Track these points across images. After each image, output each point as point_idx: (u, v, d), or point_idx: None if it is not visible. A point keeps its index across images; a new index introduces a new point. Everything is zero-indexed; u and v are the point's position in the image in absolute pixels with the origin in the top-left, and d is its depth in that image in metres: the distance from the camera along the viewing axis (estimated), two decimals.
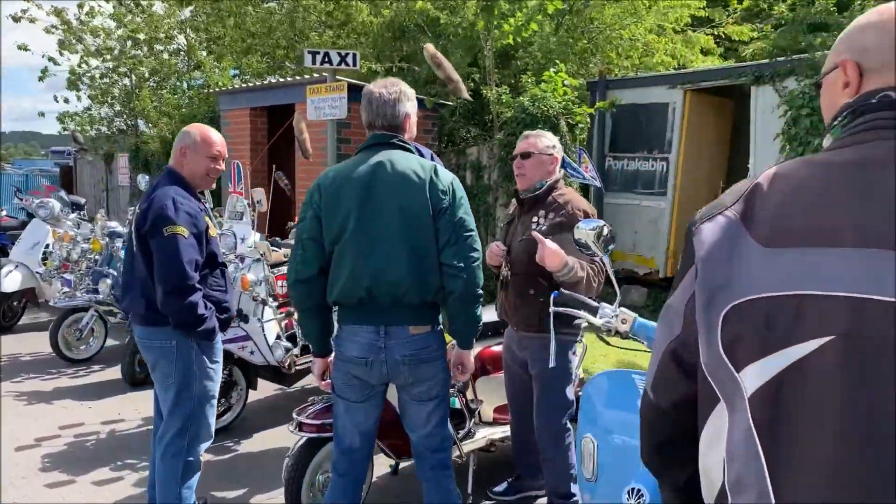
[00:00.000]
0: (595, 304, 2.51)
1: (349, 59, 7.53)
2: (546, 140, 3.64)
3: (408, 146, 2.90)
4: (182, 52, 17.71)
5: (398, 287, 2.74)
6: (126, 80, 18.03)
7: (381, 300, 2.78)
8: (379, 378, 2.85)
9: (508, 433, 3.98)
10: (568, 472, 3.55)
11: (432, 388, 2.87)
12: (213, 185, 3.46)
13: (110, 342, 6.94)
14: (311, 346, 3.01)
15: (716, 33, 11.24)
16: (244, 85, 10.23)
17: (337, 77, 7.66)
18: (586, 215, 3.43)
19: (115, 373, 6.31)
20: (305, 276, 2.82)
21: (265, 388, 5.51)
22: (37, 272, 7.69)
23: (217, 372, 3.41)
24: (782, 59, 8.21)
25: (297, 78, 8.91)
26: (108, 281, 6.45)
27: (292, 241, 6.78)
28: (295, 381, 5.23)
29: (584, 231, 2.43)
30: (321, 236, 2.82)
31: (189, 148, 3.35)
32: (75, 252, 6.47)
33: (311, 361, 5.18)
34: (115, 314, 6.75)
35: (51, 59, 17.14)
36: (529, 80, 8.70)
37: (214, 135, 3.42)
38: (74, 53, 16.85)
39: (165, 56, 17.66)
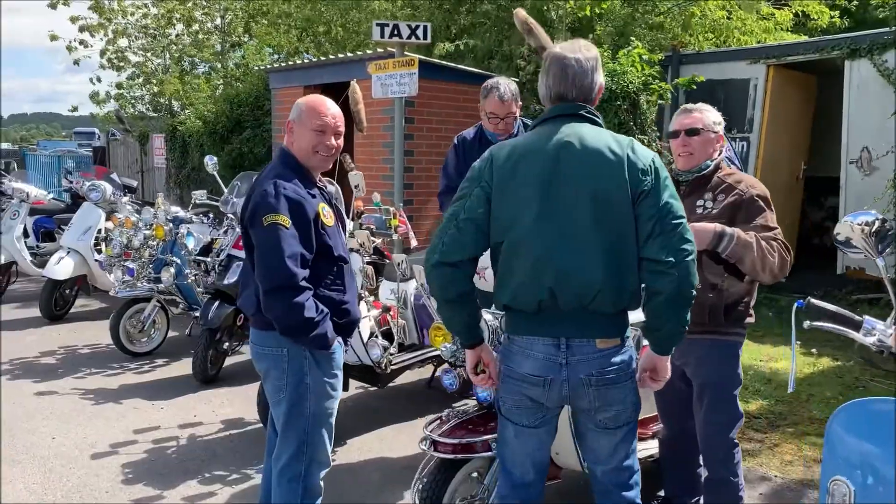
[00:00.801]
0: (855, 316, 2.02)
1: (419, 32, 7.03)
2: (713, 115, 3.16)
3: (597, 119, 2.41)
4: (218, 32, 17.25)
5: (589, 290, 2.27)
6: (159, 60, 17.65)
7: (564, 306, 2.31)
8: (558, 400, 2.39)
9: (656, 449, 3.52)
10: (738, 493, 3.10)
11: (622, 414, 2.39)
12: (329, 166, 2.98)
13: (171, 334, 6.54)
14: (459, 337, 2.53)
15: (793, 9, 10.61)
16: (293, 62, 9.75)
17: (406, 52, 7.16)
18: (764, 198, 2.97)
19: (181, 368, 5.91)
20: (455, 258, 2.35)
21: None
22: (94, 259, 7.30)
23: (336, 387, 2.95)
24: (884, 29, 7.61)
25: (359, 53, 8.41)
26: (172, 269, 6.03)
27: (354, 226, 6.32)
28: (389, 381, 4.79)
29: (851, 225, 1.93)
30: (485, 221, 2.36)
31: (295, 122, 2.88)
32: (137, 239, 6.05)
33: (406, 360, 4.81)
34: (177, 304, 6.35)
35: (81, 42, 16.79)
36: (605, 55, 8.14)
37: (326, 104, 2.91)
38: (100, 34, 16.48)
39: (201, 36, 17.25)
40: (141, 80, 17.54)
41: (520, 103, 4.16)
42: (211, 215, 5.95)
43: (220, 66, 17.44)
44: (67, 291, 7.57)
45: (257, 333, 2.87)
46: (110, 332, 6.09)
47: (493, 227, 2.36)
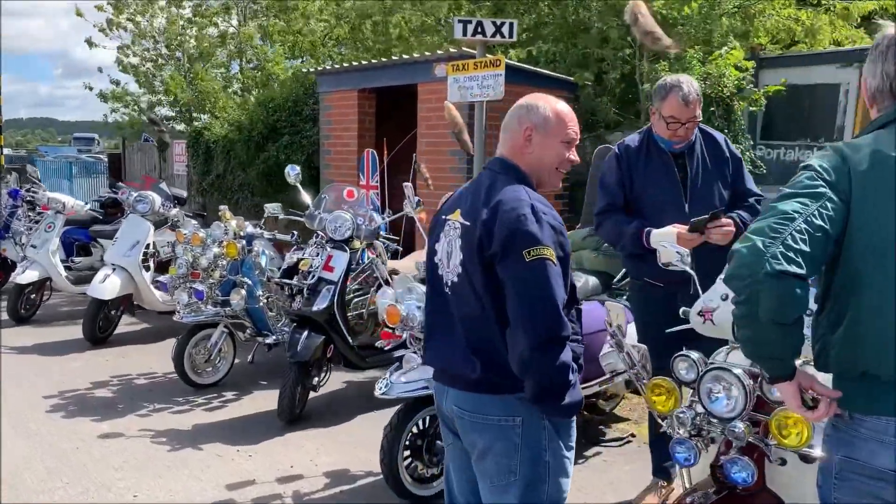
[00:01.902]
0: None
1: (505, 30, 6.41)
2: None
3: None
4: (233, 37, 16.60)
5: None
6: (172, 61, 17.03)
7: None
8: None
9: None
10: None
11: None
12: (559, 185, 2.36)
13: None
14: (771, 368, 1.86)
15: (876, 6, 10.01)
16: (347, 64, 9.11)
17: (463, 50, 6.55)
18: None
19: (255, 403, 5.26)
20: (804, 271, 1.70)
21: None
22: (142, 276, 6.66)
23: (572, 461, 2.31)
24: None
25: (427, 54, 7.78)
26: (243, 291, 5.39)
27: None
28: None
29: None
30: (840, 233, 1.76)
31: (538, 129, 2.26)
32: (205, 257, 5.39)
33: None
34: (245, 329, 5.70)
35: (102, 30, 16.16)
36: (695, 56, 7.54)
37: (567, 109, 2.31)
38: (114, 36, 15.89)
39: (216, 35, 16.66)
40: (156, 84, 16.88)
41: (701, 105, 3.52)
42: (295, 233, 5.29)
43: (239, 68, 16.85)
44: (113, 312, 6.90)
45: (474, 398, 2.22)
46: (174, 360, 5.43)
47: (852, 246, 1.74)
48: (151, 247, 6.93)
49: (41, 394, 5.43)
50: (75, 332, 7.22)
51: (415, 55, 7.83)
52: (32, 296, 7.71)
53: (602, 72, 8.32)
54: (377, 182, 6.47)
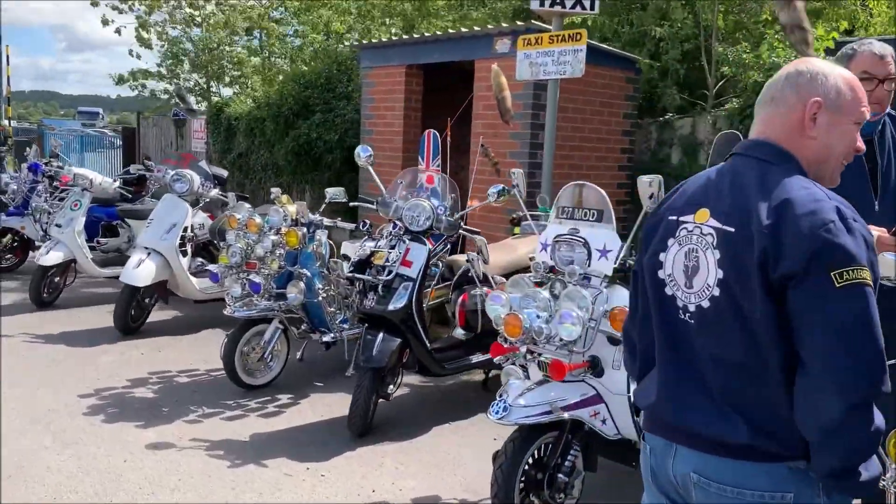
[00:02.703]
0: None
1: (586, 2, 5.82)
2: None
3: None
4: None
5: None
6: (197, 30, 16.37)
7: None
8: None
9: None
10: None
11: None
12: (839, 181, 1.79)
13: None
14: None
15: None
16: (394, 38, 8.50)
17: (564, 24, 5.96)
18: None
19: (315, 409, 4.73)
20: None
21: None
22: (179, 262, 6.12)
23: None
24: None
25: (490, 27, 7.16)
26: (301, 284, 4.85)
27: (520, 235, 5.13)
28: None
29: None
30: None
31: (829, 105, 1.67)
32: (262, 246, 4.84)
33: None
34: (299, 325, 5.17)
35: (115, 7, 15.46)
36: (777, 35, 6.95)
37: (854, 77, 1.74)
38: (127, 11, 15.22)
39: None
40: (180, 56, 16.24)
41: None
42: (367, 222, 4.73)
43: (265, 41, 16.21)
44: (147, 300, 6.35)
45: (729, 466, 1.65)
46: (223, 360, 4.89)
47: None
48: (189, 230, 6.37)
49: (75, 392, 4.90)
50: (103, 319, 6.70)
51: (475, 28, 7.22)
52: (56, 279, 7.16)
53: (660, 52, 7.71)
54: (439, 166, 5.90)
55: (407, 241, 4.31)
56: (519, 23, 6.84)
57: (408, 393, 5.09)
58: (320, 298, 5.00)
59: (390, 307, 4.23)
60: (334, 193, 5.23)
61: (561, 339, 3.02)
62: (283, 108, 10.48)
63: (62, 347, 5.89)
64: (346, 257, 5.43)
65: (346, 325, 5.21)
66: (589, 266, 3.17)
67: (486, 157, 6.10)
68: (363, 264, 4.40)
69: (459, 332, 4.72)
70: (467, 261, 3.69)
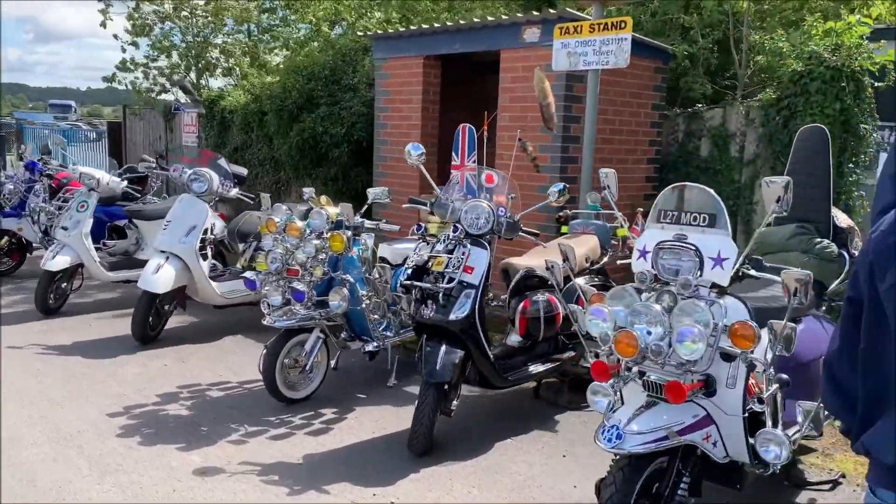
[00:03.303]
0: None
1: None
2: None
3: None
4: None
5: None
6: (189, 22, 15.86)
7: None
8: None
9: None
10: None
11: None
12: None
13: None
14: None
15: None
16: (408, 28, 8.16)
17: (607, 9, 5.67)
18: None
19: (364, 425, 4.43)
20: None
21: None
22: (199, 265, 5.79)
23: None
24: None
25: (519, 16, 6.84)
26: (345, 291, 4.55)
27: (570, 234, 4.85)
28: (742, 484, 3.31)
29: None
30: None
31: None
32: (303, 251, 4.51)
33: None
34: (338, 332, 4.88)
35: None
36: (815, 23, 6.73)
37: None
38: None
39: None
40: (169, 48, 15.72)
41: None
42: (422, 225, 4.41)
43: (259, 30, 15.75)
44: (167, 307, 6.00)
45: None
46: (263, 373, 4.58)
47: None
48: (209, 232, 6.03)
49: (102, 410, 4.57)
50: (116, 326, 6.37)
51: (503, 17, 6.91)
52: (63, 284, 6.78)
53: (685, 40, 7.46)
54: (475, 162, 5.60)
55: (468, 245, 4.01)
56: (551, 10, 6.53)
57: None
58: (363, 305, 4.71)
59: (452, 316, 3.94)
60: (377, 194, 4.92)
61: (679, 359, 2.75)
62: (286, 101, 10.08)
63: (79, 359, 5.53)
64: (383, 260, 5.14)
65: (389, 333, 4.92)
66: (700, 276, 2.90)
67: (525, 152, 5.82)
68: (420, 270, 4.09)
69: (515, 340, 4.45)
70: (548, 268, 3.42)
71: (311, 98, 9.91)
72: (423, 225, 4.16)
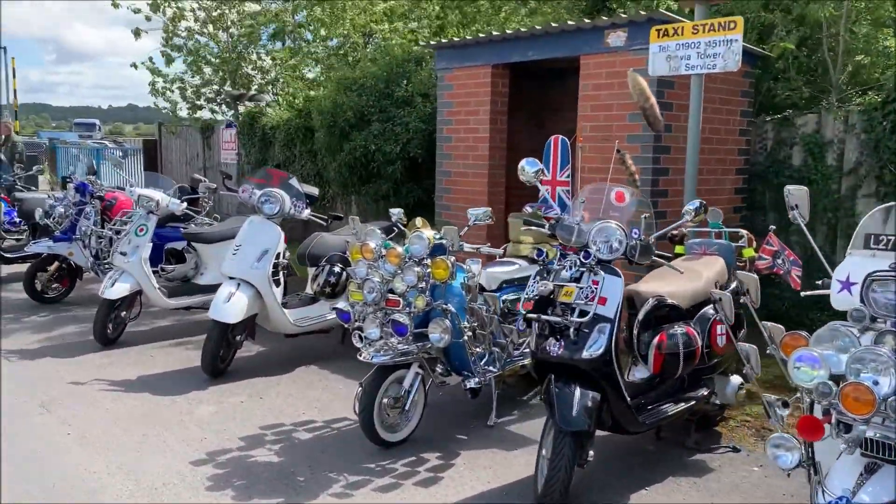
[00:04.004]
0: None
1: None
2: None
3: None
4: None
5: None
6: (223, 35, 15.58)
7: None
8: None
9: None
10: None
11: None
12: None
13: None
14: None
15: None
16: (480, 34, 7.74)
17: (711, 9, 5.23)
18: None
19: (476, 472, 3.99)
20: None
21: None
22: (273, 293, 5.40)
23: None
24: None
25: (590, 21, 6.39)
26: (447, 322, 4.11)
27: (689, 256, 4.36)
28: None
29: None
30: None
31: None
32: (404, 280, 4.08)
33: None
34: (434, 366, 4.44)
35: (138, 11, 14.68)
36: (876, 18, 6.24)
37: None
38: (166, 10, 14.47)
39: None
40: (203, 63, 15.45)
41: None
42: (543, 251, 3.96)
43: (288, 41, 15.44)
44: (238, 337, 5.60)
45: None
46: (361, 414, 4.15)
47: None
48: (282, 257, 5.63)
49: (185, 457, 4.16)
50: (178, 357, 6.04)
51: (586, 20, 6.47)
52: (123, 313, 6.41)
53: (766, 41, 6.99)
54: (569, 177, 5.15)
55: (601, 273, 3.56)
56: (642, 12, 6.09)
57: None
58: (465, 338, 4.27)
59: (585, 354, 3.49)
60: (479, 216, 4.48)
61: None
62: (338, 117, 9.66)
63: (147, 396, 5.14)
64: (481, 287, 4.70)
65: (492, 368, 4.48)
66: None
67: (623, 165, 5.37)
68: (544, 302, 3.64)
69: (639, 376, 3.99)
70: (715, 301, 2.96)
71: (363, 115, 9.50)
72: (544, 250, 3.71)
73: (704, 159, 6.53)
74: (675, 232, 4.89)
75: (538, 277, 3.72)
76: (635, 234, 3.66)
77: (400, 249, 4.12)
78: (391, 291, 4.18)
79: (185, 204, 6.78)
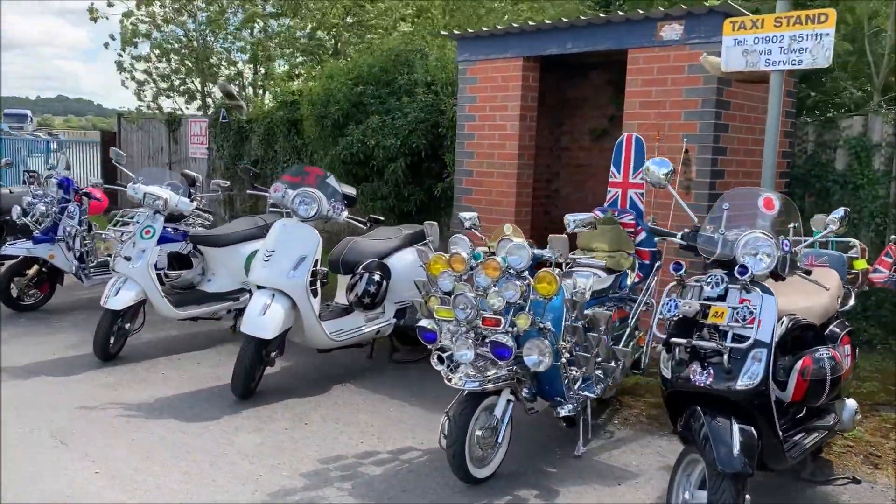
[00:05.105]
0: None
1: None
2: None
3: None
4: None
5: None
6: (191, 23, 14.75)
7: None
8: None
9: None
10: None
11: None
12: None
13: None
14: None
15: None
16: (513, 24, 7.22)
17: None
18: None
19: None
20: None
21: None
22: (311, 305, 4.83)
23: None
24: None
25: (643, 11, 5.96)
26: (546, 343, 3.62)
27: None
28: None
29: None
30: None
31: None
32: (502, 296, 3.55)
33: None
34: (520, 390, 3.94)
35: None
36: None
37: None
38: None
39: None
40: (170, 52, 14.59)
41: None
42: (682, 265, 3.43)
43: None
44: (273, 354, 4.99)
45: None
46: (450, 448, 3.62)
47: None
48: (318, 264, 5.05)
49: (240, 499, 3.56)
50: (193, 374, 5.45)
51: (638, 11, 6.04)
52: (127, 325, 5.71)
53: None
54: (643, 179, 4.71)
55: (755, 290, 3.12)
56: (705, 3, 5.70)
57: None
58: (563, 360, 3.79)
59: (739, 384, 3.04)
60: (579, 219, 4.00)
61: None
62: (330, 107, 8.99)
63: (174, 423, 4.50)
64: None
65: (590, 394, 4.00)
66: None
67: (685, 168, 4.96)
68: (687, 324, 3.19)
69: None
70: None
71: (360, 105, 8.88)
72: (682, 264, 3.26)
73: (743, 161, 6.19)
74: None
75: (673, 294, 3.25)
76: (786, 245, 3.23)
77: (499, 260, 3.61)
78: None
79: (195, 203, 6.11)
